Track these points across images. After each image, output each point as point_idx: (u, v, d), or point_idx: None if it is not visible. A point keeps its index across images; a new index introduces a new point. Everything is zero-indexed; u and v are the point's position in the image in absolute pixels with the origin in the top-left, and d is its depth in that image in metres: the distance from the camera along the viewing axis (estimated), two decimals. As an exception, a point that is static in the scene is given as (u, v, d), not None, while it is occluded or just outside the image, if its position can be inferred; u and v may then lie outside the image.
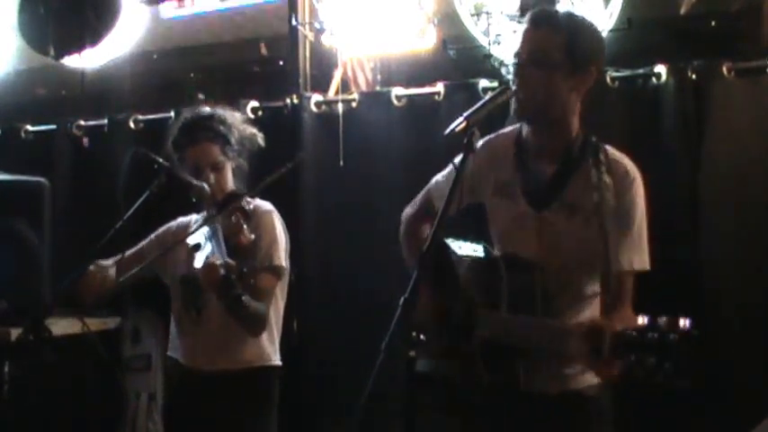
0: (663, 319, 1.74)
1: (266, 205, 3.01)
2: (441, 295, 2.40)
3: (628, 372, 1.78)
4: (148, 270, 3.06)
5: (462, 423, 2.37)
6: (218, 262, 2.61)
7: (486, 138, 2.44)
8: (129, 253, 3.07)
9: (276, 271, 2.93)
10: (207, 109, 3.06)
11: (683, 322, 1.72)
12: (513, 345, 2.16)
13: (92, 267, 2.95)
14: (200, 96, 3.25)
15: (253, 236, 2.80)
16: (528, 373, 2.18)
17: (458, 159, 2.44)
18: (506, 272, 2.23)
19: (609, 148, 2.30)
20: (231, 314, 2.73)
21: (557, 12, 2.33)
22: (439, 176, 2.55)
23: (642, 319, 1.78)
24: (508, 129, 2.42)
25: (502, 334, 2.18)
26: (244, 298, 2.59)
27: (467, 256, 2.39)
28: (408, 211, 2.65)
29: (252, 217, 2.89)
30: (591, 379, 2.25)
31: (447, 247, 2.41)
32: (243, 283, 2.59)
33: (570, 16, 2.34)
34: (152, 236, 3.16)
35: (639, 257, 2.23)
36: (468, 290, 2.32)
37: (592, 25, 2.36)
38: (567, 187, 2.27)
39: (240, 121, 3.10)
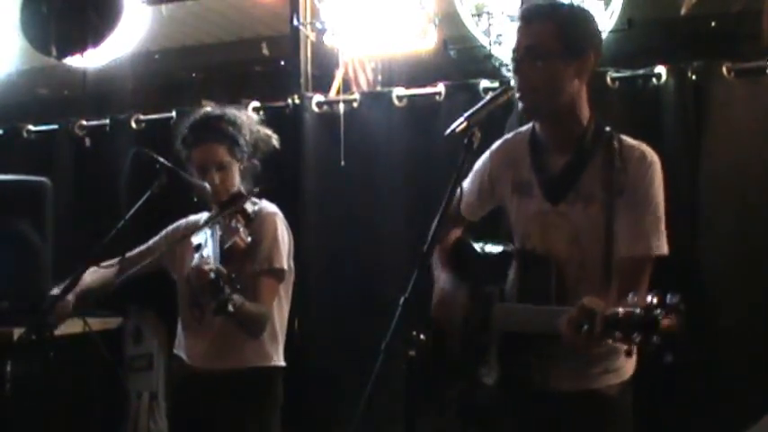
0: (650, 296, 1.79)
1: (270, 207, 3.02)
2: (461, 292, 2.41)
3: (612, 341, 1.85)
4: (155, 265, 3.08)
5: (462, 424, 2.39)
6: (209, 266, 2.62)
7: (504, 138, 2.47)
8: (136, 251, 3.12)
9: (276, 274, 2.93)
10: (218, 109, 3.08)
11: (670, 298, 1.76)
12: (525, 338, 2.17)
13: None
14: (206, 105, 3.23)
15: (250, 239, 2.80)
16: (544, 372, 2.18)
17: (478, 163, 2.48)
18: (521, 267, 2.24)
19: (624, 136, 2.29)
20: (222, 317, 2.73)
21: (546, 4, 2.32)
22: (464, 183, 2.55)
23: (631, 298, 1.84)
24: (524, 128, 2.42)
25: (508, 322, 2.19)
26: (232, 303, 2.58)
27: (486, 254, 2.41)
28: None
29: (254, 219, 2.90)
30: (611, 378, 2.26)
31: (469, 246, 2.43)
32: (232, 288, 2.59)
33: (560, 6, 2.33)
34: (161, 233, 3.19)
35: (657, 242, 2.20)
36: (485, 286, 2.33)
37: (583, 11, 2.36)
38: (581, 177, 2.26)
39: (254, 122, 3.12)
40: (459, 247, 2.51)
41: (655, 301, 1.79)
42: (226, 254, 2.77)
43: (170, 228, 3.19)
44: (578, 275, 2.23)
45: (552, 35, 2.20)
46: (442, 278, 2.47)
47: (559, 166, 2.29)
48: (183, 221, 3.17)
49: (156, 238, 3.19)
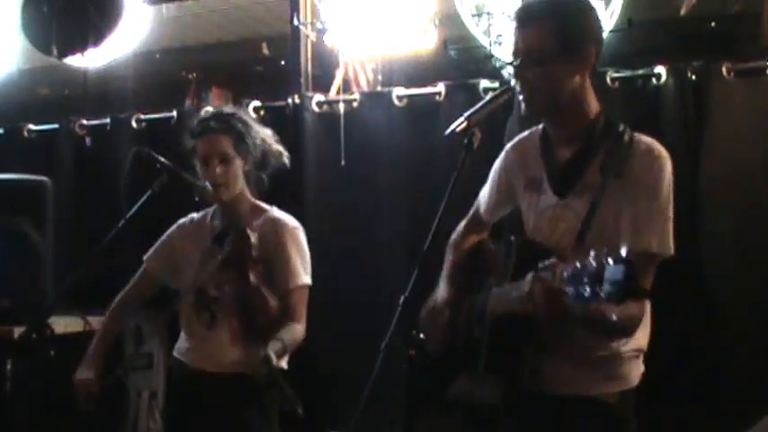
0: (604, 250, 1.71)
1: (292, 220, 3.01)
2: (470, 292, 2.39)
3: (569, 301, 1.78)
4: (155, 288, 3.09)
5: (462, 423, 2.38)
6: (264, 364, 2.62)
7: (517, 138, 2.45)
8: (127, 293, 3.11)
9: (306, 288, 2.95)
10: (232, 107, 3.08)
11: (623, 250, 1.66)
12: (516, 329, 2.12)
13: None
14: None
15: (256, 282, 2.83)
16: (535, 371, 2.15)
17: (495, 166, 2.47)
18: (522, 258, 2.19)
19: (638, 134, 2.23)
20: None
21: (540, 2, 2.25)
22: (484, 188, 2.53)
23: (591, 253, 1.75)
24: (537, 127, 2.39)
25: (497, 305, 2.15)
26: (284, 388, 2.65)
27: (502, 250, 2.39)
28: (461, 224, 2.62)
29: (267, 238, 2.91)
30: (613, 386, 2.21)
31: (489, 245, 2.44)
32: (284, 380, 2.65)
33: (555, 2, 2.26)
34: (151, 252, 3.09)
35: (660, 240, 2.11)
36: (490, 279, 2.32)
37: (581, 4, 2.28)
38: (587, 168, 2.21)
39: (269, 136, 3.06)
40: (478, 249, 2.50)
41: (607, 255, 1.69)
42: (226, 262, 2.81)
43: (164, 239, 3.10)
44: None
45: (549, 36, 2.15)
46: (440, 288, 2.45)
47: (566, 158, 2.25)
48: (173, 231, 3.09)
49: (141, 270, 3.10)
